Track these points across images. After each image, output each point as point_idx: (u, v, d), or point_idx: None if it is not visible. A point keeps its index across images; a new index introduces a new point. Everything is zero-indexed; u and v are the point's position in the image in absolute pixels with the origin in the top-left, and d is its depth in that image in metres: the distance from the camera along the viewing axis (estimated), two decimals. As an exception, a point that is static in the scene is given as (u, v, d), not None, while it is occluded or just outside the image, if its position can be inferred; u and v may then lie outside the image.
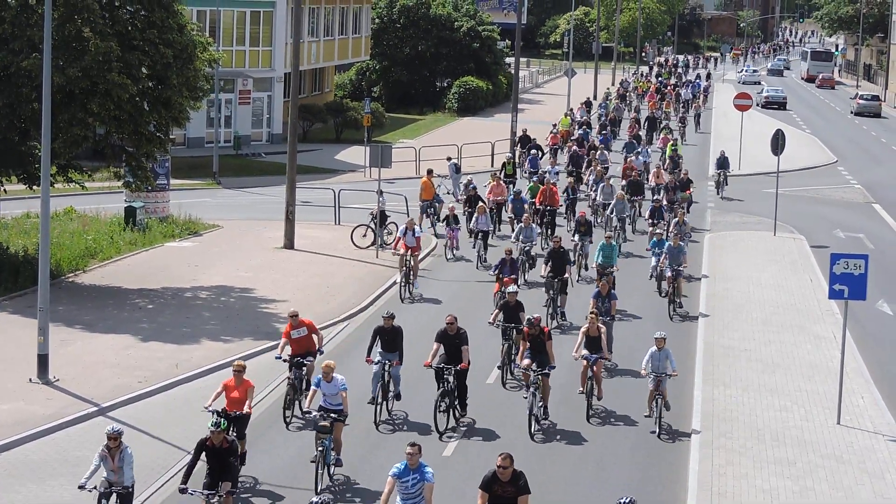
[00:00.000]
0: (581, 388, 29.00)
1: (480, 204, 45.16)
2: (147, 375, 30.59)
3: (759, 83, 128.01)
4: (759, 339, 35.30)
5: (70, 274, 40.61)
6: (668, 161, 60.92)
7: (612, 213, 47.70)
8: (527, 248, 41.34)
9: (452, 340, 27.87)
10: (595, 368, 28.68)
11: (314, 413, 24.92)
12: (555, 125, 73.35)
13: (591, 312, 29.83)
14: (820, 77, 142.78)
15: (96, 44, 37.33)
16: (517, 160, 61.99)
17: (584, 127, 74.30)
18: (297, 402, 27.84)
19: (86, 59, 37.35)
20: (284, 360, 28.03)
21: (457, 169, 57.13)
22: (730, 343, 34.70)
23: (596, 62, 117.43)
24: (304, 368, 27.92)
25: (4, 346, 32.49)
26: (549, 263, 36.69)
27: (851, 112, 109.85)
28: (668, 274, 38.23)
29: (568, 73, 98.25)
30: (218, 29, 70.51)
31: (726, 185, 60.70)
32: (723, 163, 61.01)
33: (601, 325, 29.30)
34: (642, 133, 73.73)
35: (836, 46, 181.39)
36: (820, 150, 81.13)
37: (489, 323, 32.00)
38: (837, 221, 54.98)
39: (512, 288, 32.04)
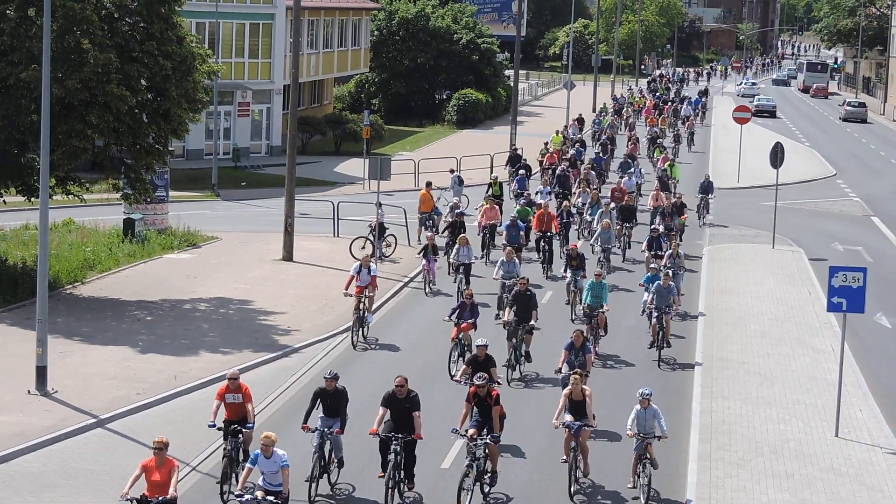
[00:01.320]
0: (565, 458, 25.03)
1: (462, 235, 41.74)
2: (145, 387, 30.58)
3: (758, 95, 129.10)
4: (757, 351, 35.31)
5: (69, 286, 40.61)
6: (656, 182, 56.62)
7: (595, 242, 44.31)
8: (509, 284, 36.82)
9: (402, 405, 23.90)
10: (580, 437, 24.84)
11: (247, 496, 21.56)
12: (546, 143, 69.96)
13: (575, 373, 25.66)
14: (813, 87, 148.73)
15: (95, 55, 37.37)
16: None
17: (578, 145, 70.35)
18: (234, 476, 24.16)
19: (85, 70, 37.39)
20: (219, 429, 24.35)
21: (460, 181, 56.98)
22: (728, 356, 34.69)
23: (595, 75, 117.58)
24: (241, 436, 24.29)
25: (3, 358, 32.47)
26: (514, 308, 32.87)
27: (840, 118, 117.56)
28: (654, 316, 34.55)
29: (567, 86, 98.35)
30: (217, 41, 70.61)
31: (707, 212, 56.30)
32: (706, 187, 56.15)
33: (586, 388, 25.34)
34: (639, 153, 70.09)
35: (836, 59, 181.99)
36: (819, 162, 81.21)
37: (456, 381, 28.56)
38: (836, 234, 55.01)
39: (482, 341, 28.03)
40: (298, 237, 47.20)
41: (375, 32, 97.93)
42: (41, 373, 29.85)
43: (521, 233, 44.11)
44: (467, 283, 39.81)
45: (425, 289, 41.75)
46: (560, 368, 28.62)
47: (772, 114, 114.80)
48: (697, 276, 44.58)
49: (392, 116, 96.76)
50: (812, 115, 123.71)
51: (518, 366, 32.58)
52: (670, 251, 40.93)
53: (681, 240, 46.56)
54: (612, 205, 49.32)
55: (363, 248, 46.04)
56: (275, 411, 29.53)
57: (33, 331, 30.74)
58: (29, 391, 29.74)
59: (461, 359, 31.55)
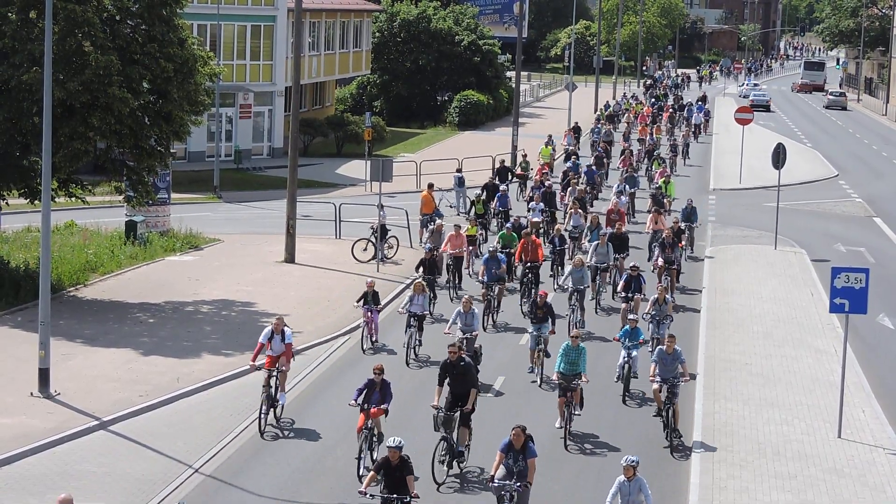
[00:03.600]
0: None
1: (417, 281, 35.17)
2: (148, 389, 30.59)
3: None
4: (759, 352, 35.29)
5: (71, 288, 40.62)
6: (649, 202, 51.19)
7: (564, 282, 37.66)
8: (466, 338, 30.91)
9: None
10: None
11: None
12: (524, 156, 63.68)
13: None
14: (800, 83, 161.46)
15: (97, 58, 37.38)
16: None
17: (574, 158, 63.75)
18: None
19: (86, 73, 37.40)
20: None
21: (460, 182, 56.82)
22: (731, 357, 34.68)
23: (597, 76, 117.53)
24: None
25: (5, 361, 32.49)
26: (448, 383, 25.44)
27: (823, 106, 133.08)
28: (655, 386, 28.30)
29: (569, 87, 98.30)
30: (219, 43, 70.60)
31: (692, 246, 48.31)
32: (689, 214, 47.69)
33: None
34: (641, 165, 64.86)
35: (838, 60, 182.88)
36: (821, 163, 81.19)
37: (359, 493, 21.74)
38: (838, 235, 54.99)
39: (394, 441, 21.43)
40: (300, 239, 47.19)
41: (377, 34, 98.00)
42: (44, 375, 29.86)
43: (503, 266, 38.05)
44: (419, 336, 33.90)
45: (363, 344, 34.79)
46: (493, 476, 22.16)
47: (766, 108, 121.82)
48: (700, 275, 44.31)
49: (394, 118, 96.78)
50: (801, 106, 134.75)
51: (455, 462, 25.37)
52: (655, 296, 34.13)
53: (678, 278, 41.71)
54: (605, 231, 42.17)
55: (365, 249, 46.03)
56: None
57: (36, 333, 30.75)
58: (31, 393, 29.75)
59: (371, 454, 25.38)
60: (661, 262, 40.61)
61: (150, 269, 44.20)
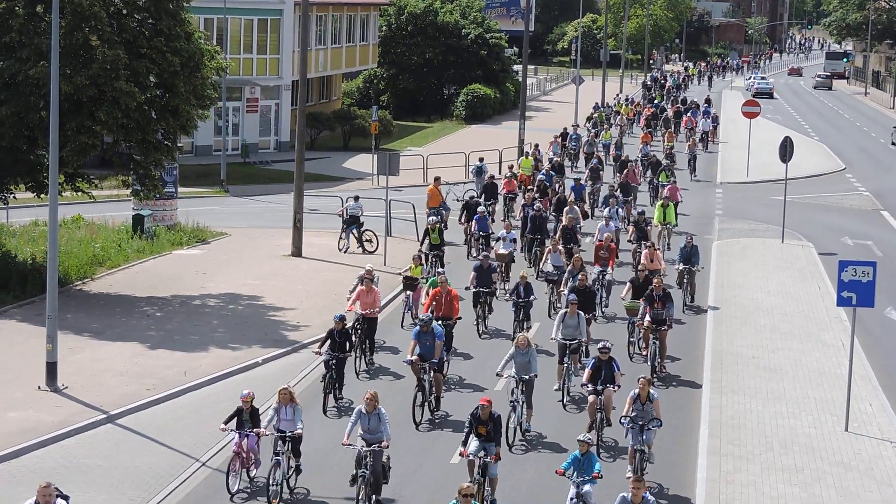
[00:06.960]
0: None
1: (284, 389, 24.34)
2: (155, 383, 30.63)
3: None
4: (766, 346, 35.27)
5: (78, 282, 40.68)
6: (631, 229, 43.27)
7: (503, 369, 27.23)
8: (371, 451, 22.78)
9: None
10: None
11: None
12: (511, 167, 56.13)
13: None
14: (790, 68, 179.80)
15: (104, 52, 37.43)
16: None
17: (549, 168, 55.80)
18: None
19: (93, 67, 37.46)
20: None
21: (478, 171, 56.44)
22: (738, 350, 34.66)
23: (604, 69, 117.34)
24: None
25: (13, 354, 32.55)
26: None
27: (813, 87, 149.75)
28: None
29: (575, 81, 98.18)
30: (225, 37, 70.60)
31: (692, 295, 39.50)
32: (689, 255, 38.98)
33: None
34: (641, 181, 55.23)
35: (846, 53, 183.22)
36: (828, 157, 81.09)
37: None
38: (846, 228, 54.90)
39: None
40: (307, 233, 47.20)
41: (384, 28, 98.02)
42: (51, 369, 29.92)
43: (441, 342, 28.35)
44: (296, 472, 24.18)
45: (229, 486, 23.90)
46: None
47: (770, 95, 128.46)
48: (702, 335, 36.11)
49: (400, 112, 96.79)
50: (797, 89, 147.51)
51: None
52: (636, 391, 24.54)
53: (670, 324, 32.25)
54: (573, 297, 31.26)
55: (341, 238, 46.34)
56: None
57: (43, 327, 30.82)
58: (39, 387, 29.81)
59: None
60: (647, 321, 31.67)
61: (157, 263, 44.24)
